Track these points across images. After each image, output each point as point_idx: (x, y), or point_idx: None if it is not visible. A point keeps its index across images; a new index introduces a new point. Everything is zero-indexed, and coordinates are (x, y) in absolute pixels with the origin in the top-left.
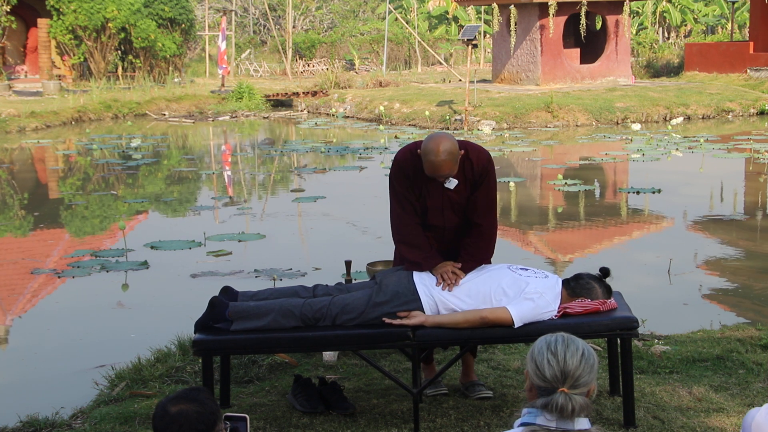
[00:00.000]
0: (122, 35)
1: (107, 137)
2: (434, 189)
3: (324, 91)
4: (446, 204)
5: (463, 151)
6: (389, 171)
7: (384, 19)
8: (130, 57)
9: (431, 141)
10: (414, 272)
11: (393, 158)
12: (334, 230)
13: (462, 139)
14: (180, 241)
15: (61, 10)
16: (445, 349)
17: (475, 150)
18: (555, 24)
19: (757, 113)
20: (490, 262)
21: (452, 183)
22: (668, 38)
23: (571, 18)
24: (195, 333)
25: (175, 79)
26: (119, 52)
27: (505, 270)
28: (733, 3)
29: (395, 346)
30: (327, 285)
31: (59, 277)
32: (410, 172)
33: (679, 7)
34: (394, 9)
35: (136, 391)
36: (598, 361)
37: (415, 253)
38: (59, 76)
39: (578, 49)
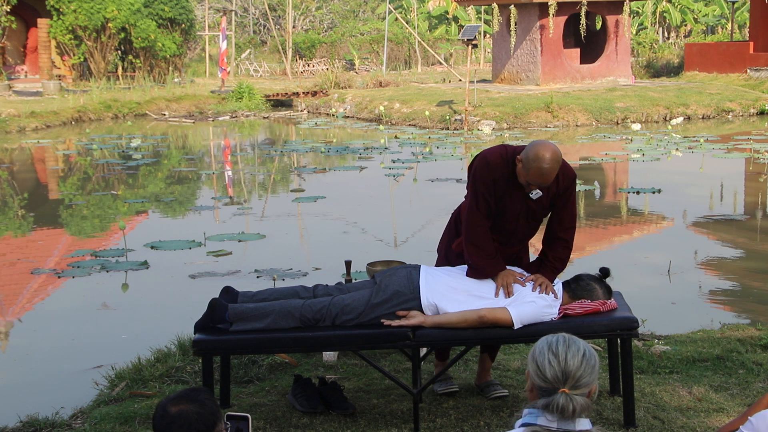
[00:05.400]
0: (122, 35)
1: (107, 137)
2: (517, 197)
3: (324, 91)
4: (523, 212)
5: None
6: (474, 168)
7: (384, 19)
8: (130, 57)
9: (540, 148)
10: (421, 272)
11: (480, 157)
12: (334, 230)
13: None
14: (180, 241)
15: (61, 10)
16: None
17: (563, 166)
18: (555, 24)
19: (757, 113)
20: None
21: (536, 194)
22: (668, 38)
23: (571, 18)
24: (195, 333)
25: (175, 79)
26: (119, 52)
27: None
28: (733, 3)
29: (395, 346)
30: (327, 285)
31: (59, 277)
32: (498, 176)
33: (679, 7)
34: (394, 9)
35: (136, 391)
36: (599, 362)
37: (482, 256)
38: (59, 76)
39: (578, 49)
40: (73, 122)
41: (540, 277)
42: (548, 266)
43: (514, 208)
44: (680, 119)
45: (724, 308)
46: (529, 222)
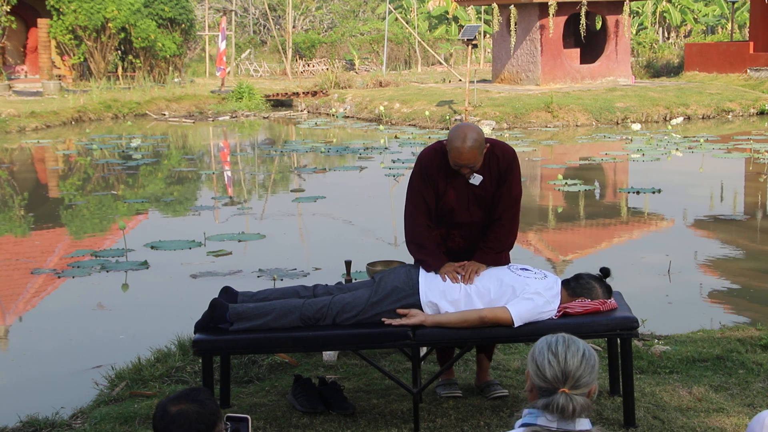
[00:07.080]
0: (122, 35)
1: (107, 137)
2: (459, 186)
3: (324, 91)
4: (471, 200)
5: (489, 145)
6: (412, 169)
7: (384, 19)
8: (130, 57)
9: (458, 129)
10: (421, 270)
11: (417, 157)
12: (334, 230)
13: (487, 136)
14: (180, 241)
15: (61, 10)
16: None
17: (501, 146)
18: (555, 24)
19: (757, 113)
20: (508, 256)
21: (477, 179)
22: (668, 38)
23: (571, 18)
24: (195, 333)
25: (175, 79)
26: (119, 52)
27: (505, 270)
28: (733, 3)
29: (395, 345)
30: (327, 285)
31: (59, 277)
32: (433, 171)
33: (679, 7)
34: (394, 9)
35: (136, 391)
36: (599, 362)
37: (424, 253)
38: (59, 76)
39: (578, 49)
40: (73, 122)
41: (468, 265)
42: (484, 248)
43: (460, 198)
44: (680, 119)
45: (724, 308)
46: (482, 210)
